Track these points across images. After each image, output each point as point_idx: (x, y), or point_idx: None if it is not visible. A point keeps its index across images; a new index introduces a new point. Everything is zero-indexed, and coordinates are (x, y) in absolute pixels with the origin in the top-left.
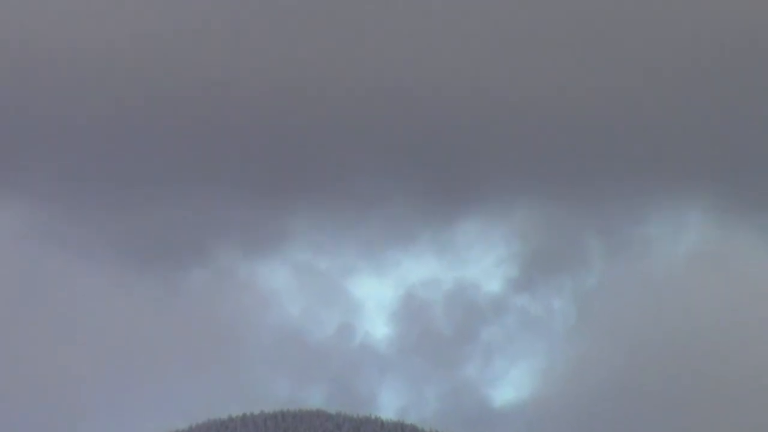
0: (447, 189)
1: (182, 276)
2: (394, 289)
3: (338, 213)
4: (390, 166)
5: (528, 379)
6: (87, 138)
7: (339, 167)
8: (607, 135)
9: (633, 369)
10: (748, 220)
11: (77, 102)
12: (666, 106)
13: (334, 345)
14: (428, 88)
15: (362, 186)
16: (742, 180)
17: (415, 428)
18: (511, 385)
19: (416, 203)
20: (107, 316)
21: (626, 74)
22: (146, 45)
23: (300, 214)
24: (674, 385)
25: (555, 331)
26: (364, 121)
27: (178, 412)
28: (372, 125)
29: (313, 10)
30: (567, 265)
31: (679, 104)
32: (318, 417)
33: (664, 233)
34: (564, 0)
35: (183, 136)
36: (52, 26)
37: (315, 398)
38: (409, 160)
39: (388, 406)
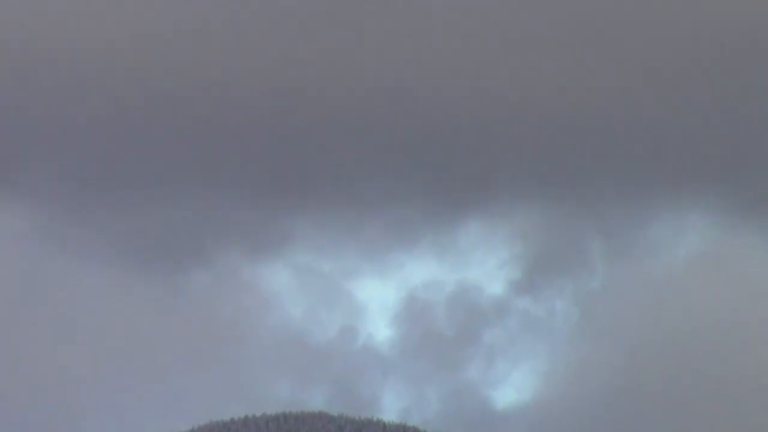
0: (449, 191)
1: (183, 277)
2: (397, 291)
3: (340, 215)
4: (392, 168)
5: (530, 381)
6: (87, 138)
7: (341, 169)
8: (608, 136)
9: (635, 370)
10: (750, 221)
11: (77, 102)
12: (666, 106)
13: (337, 347)
14: (429, 88)
15: (364, 188)
16: (744, 181)
17: (417, 430)
18: (513, 387)
19: (418, 205)
20: (108, 317)
21: (626, 74)
22: (146, 45)
23: (302, 216)
24: (677, 387)
25: (557, 333)
26: (365, 121)
27: (179, 414)
28: (373, 126)
29: (313, 10)
30: (569, 267)
31: (680, 104)
32: (320, 419)
33: (665, 235)
34: (564, 0)
35: (183, 137)
36: (52, 26)
37: (317, 400)
38: (410, 162)
39: (390, 408)
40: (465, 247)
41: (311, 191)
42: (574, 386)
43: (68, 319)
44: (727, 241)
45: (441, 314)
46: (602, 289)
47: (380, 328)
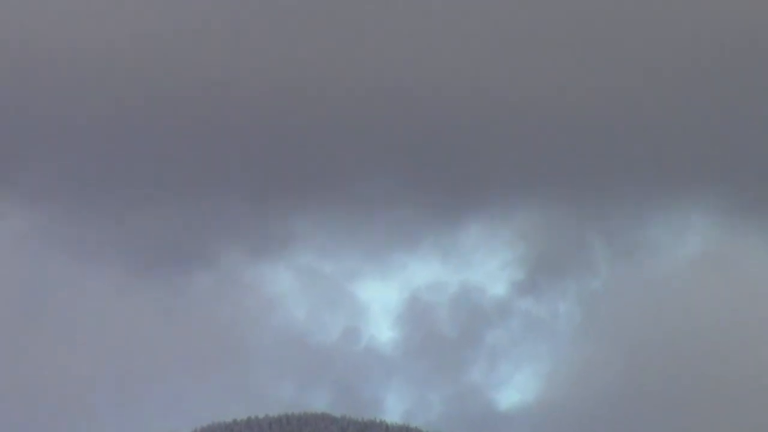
0: (451, 192)
1: (185, 279)
2: (399, 292)
3: (342, 216)
4: (394, 169)
5: (533, 383)
6: (87, 138)
7: (342, 169)
8: (609, 136)
9: (638, 372)
10: (750, 221)
11: (77, 102)
12: (666, 106)
13: (339, 348)
14: (429, 88)
15: (366, 189)
16: (744, 181)
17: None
18: (516, 388)
19: (421, 206)
20: (109, 317)
21: (626, 74)
22: (146, 45)
23: (303, 217)
24: (679, 387)
25: (560, 335)
26: (366, 121)
27: (182, 415)
28: (374, 126)
29: (313, 10)
30: (571, 269)
31: (680, 104)
32: (323, 420)
33: (666, 235)
34: (564, 0)
35: (183, 137)
36: (52, 26)
37: (320, 401)
38: (412, 162)
39: (393, 410)
40: (467, 248)
41: (313, 192)
42: (577, 387)
43: (69, 320)
44: (727, 241)
45: (443, 315)
46: (605, 291)
47: (383, 330)
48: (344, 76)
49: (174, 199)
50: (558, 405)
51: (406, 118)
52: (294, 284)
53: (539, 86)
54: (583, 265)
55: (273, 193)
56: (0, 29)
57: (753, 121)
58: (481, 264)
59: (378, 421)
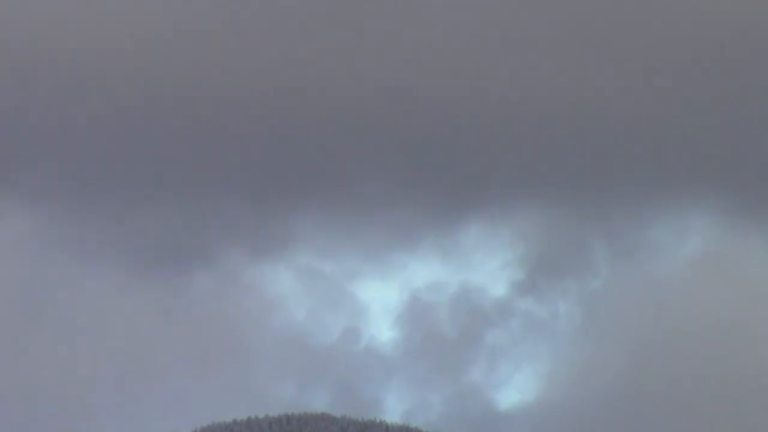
0: (451, 192)
1: (185, 279)
2: (399, 292)
3: (343, 216)
4: (394, 169)
5: (533, 383)
6: (87, 138)
7: (342, 170)
8: (610, 137)
9: (638, 372)
10: (751, 221)
11: (77, 102)
12: (666, 106)
13: (339, 348)
14: (429, 88)
15: (366, 189)
16: (744, 181)
17: None
18: (516, 388)
19: (421, 206)
20: (109, 318)
21: (626, 74)
22: (146, 45)
23: (304, 218)
24: (679, 388)
25: (560, 335)
26: (366, 121)
27: (182, 415)
28: (374, 127)
29: (313, 10)
30: (572, 269)
31: (680, 104)
32: (323, 420)
33: (666, 235)
34: (564, 0)
35: (183, 137)
36: (52, 26)
37: (320, 401)
38: (412, 162)
39: (393, 410)
40: (467, 248)
41: (313, 192)
42: (577, 387)
43: (69, 320)
44: (728, 241)
45: (444, 315)
46: (605, 291)
47: (383, 330)
48: (344, 76)
49: (174, 199)
50: (558, 405)
51: (406, 118)
52: (294, 284)
53: (539, 86)
54: (583, 265)
55: (273, 193)
56: (0, 29)
57: (753, 121)
58: (481, 264)
59: (378, 421)
